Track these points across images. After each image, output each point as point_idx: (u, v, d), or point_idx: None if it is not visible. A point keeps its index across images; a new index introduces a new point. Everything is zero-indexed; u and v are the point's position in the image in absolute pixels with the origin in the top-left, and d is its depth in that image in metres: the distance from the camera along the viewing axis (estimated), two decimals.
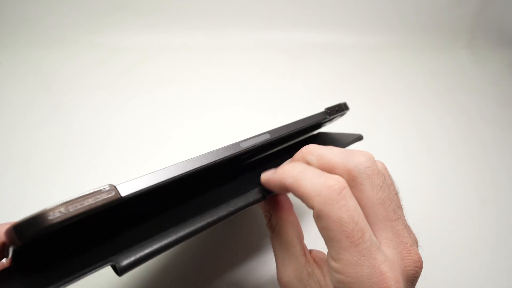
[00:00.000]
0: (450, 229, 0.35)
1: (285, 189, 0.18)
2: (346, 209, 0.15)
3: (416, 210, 0.37)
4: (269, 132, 0.22)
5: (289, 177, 0.17)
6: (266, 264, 0.30)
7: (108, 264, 0.15)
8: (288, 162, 0.20)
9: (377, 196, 0.17)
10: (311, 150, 0.19)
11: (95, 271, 0.14)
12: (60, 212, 0.13)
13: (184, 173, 0.18)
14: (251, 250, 0.31)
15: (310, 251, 0.21)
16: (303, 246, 0.20)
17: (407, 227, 0.19)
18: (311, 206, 0.16)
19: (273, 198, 0.21)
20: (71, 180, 0.37)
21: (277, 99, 0.52)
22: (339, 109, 0.28)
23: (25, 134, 0.42)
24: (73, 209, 0.13)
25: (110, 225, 0.18)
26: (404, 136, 0.48)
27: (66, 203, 0.13)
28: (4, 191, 0.35)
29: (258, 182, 0.21)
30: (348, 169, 0.17)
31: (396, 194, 0.19)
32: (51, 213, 0.12)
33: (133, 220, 0.18)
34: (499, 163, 0.45)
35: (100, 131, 0.43)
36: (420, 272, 0.17)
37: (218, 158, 0.19)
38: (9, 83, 0.51)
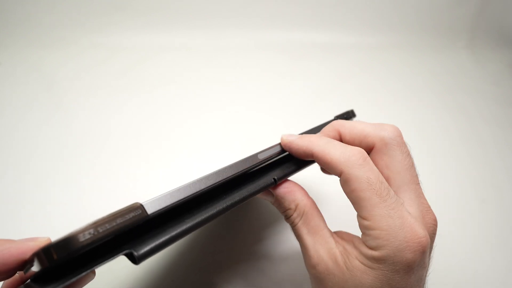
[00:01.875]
0: (450, 229, 0.35)
1: (309, 155, 0.20)
2: (372, 171, 0.17)
3: None
4: None
5: (317, 146, 0.19)
6: (267, 256, 0.30)
7: (125, 252, 0.15)
8: (314, 135, 0.22)
9: (405, 162, 0.20)
10: (342, 123, 0.21)
11: (111, 260, 0.14)
12: (90, 233, 0.13)
13: (207, 187, 0.18)
14: (254, 241, 0.31)
15: (334, 232, 0.21)
16: (328, 228, 0.21)
17: None
18: (339, 171, 0.18)
19: (296, 187, 0.22)
20: (71, 180, 0.37)
21: (277, 99, 0.52)
22: (347, 117, 0.29)
23: (25, 134, 0.42)
24: (103, 230, 0.13)
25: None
26: (404, 136, 0.47)
27: (95, 224, 0.13)
28: (4, 191, 0.35)
29: (269, 174, 0.21)
30: (381, 136, 0.20)
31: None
32: (81, 235, 0.13)
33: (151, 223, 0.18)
34: (499, 163, 0.45)
35: (100, 131, 0.44)
36: (437, 229, 0.19)
37: (238, 171, 0.20)
38: (9, 83, 0.51)
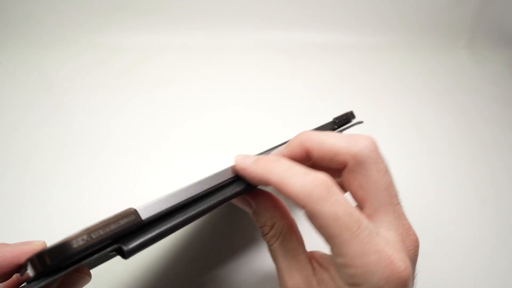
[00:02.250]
0: (450, 229, 0.35)
1: (266, 184, 0.17)
2: (338, 203, 0.15)
3: (415, 210, 0.36)
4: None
5: (274, 174, 0.17)
6: (263, 262, 0.30)
7: (114, 246, 0.15)
8: (280, 150, 0.20)
9: (382, 181, 0.17)
10: (309, 137, 0.19)
11: (101, 254, 0.14)
12: (83, 239, 0.13)
13: (202, 192, 0.18)
14: (246, 247, 0.31)
15: (312, 253, 0.20)
16: (307, 253, 0.19)
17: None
18: (302, 206, 0.16)
19: (276, 203, 0.20)
20: (71, 180, 0.37)
21: (277, 99, 0.52)
22: (347, 119, 0.28)
23: (25, 134, 0.42)
24: (96, 236, 0.13)
25: None
26: (404, 136, 0.48)
27: (88, 230, 0.13)
28: (4, 191, 0.35)
29: None
30: (353, 154, 0.17)
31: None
32: (74, 241, 0.13)
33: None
34: (499, 163, 0.45)
35: (100, 131, 0.44)
36: (419, 250, 0.18)
37: (235, 174, 0.19)
38: (9, 83, 0.51)
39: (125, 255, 0.14)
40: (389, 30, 0.69)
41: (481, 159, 0.45)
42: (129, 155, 0.41)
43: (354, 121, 0.30)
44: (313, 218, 0.16)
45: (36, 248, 0.16)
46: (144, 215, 0.15)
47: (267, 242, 0.19)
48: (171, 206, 0.17)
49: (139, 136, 0.43)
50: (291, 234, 0.19)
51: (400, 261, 0.15)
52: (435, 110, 0.53)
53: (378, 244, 0.15)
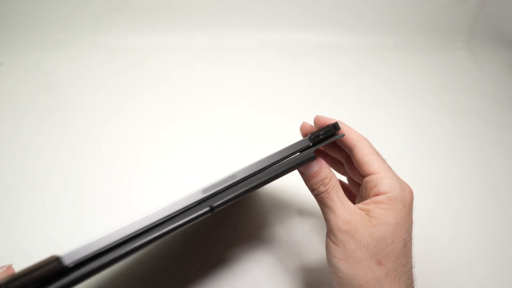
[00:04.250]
0: (450, 229, 0.36)
1: (347, 137, 0.26)
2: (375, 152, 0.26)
3: (415, 210, 0.37)
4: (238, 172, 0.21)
5: (354, 133, 0.26)
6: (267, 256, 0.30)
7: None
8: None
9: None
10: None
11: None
12: None
13: (136, 231, 0.17)
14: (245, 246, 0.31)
15: None
16: None
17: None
18: (355, 144, 0.26)
19: (330, 164, 0.27)
20: (70, 180, 0.37)
21: (277, 99, 0.52)
22: (326, 133, 0.24)
23: (25, 134, 0.43)
24: (13, 286, 0.13)
25: None
26: (404, 135, 0.48)
27: (6, 280, 0.13)
28: (3, 191, 0.35)
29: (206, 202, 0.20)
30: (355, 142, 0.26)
31: None
32: None
33: None
34: (499, 162, 0.45)
35: (100, 131, 0.44)
36: (413, 202, 0.24)
37: (176, 211, 0.19)
38: (9, 83, 0.51)
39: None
40: (389, 30, 0.69)
41: (480, 159, 0.45)
42: (130, 155, 0.41)
43: (338, 135, 0.25)
44: (363, 149, 0.25)
45: None
46: (68, 261, 0.15)
47: (326, 191, 0.24)
48: (100, 249, 0.16)
49: (139, 136, 0.43)
50: (339, 186, 0.25)
51: (407, 186, 0.24)
52: (434, 110, 0.53)
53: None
